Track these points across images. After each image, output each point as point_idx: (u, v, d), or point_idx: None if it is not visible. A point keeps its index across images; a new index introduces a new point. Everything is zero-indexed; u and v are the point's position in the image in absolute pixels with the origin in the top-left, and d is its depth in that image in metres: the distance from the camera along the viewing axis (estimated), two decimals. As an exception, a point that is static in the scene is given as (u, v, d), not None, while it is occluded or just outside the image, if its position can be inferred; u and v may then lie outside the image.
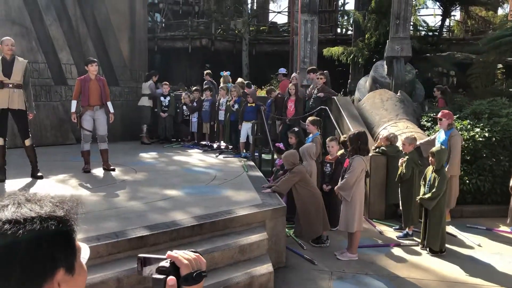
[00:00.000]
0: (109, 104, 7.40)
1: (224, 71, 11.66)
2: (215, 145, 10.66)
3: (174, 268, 1.06)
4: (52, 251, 0.92)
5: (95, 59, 7.61)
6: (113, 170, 7.37)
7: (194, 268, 1.08)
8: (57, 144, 10.28)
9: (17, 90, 6.41)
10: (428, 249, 5.92)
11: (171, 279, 1.04)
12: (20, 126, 6.71)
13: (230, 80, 11.50)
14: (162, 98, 11.19)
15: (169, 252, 1.09)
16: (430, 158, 5.92)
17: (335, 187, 5.78)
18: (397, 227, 6.87)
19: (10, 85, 6.36)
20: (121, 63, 11.98)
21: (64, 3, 10.97)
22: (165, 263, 1.06)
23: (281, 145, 8.21)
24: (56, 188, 6.16)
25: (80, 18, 11.24)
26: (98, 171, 7.36)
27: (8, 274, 0.87)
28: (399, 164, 6.58)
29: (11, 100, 6.39)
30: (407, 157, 6.46)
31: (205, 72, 12.63)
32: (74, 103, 7.27)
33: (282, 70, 12.60)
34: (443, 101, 10.74)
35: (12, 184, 6.32)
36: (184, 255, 1.09)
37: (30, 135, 6.82)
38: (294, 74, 12.11)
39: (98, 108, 7.30)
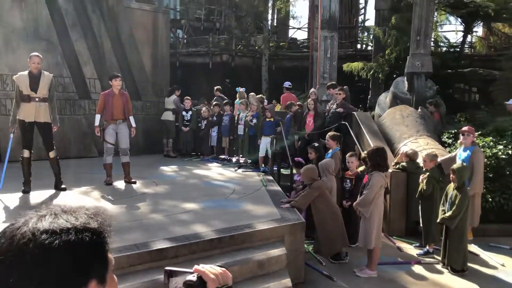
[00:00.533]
0: (131, 118, 7.54)
1: (239, 87, 11.78)
2: (234, 159, 10.72)
3: (201, 282, 1.07)
4: (86, 262, 0.94)
5: (119, 74, 7.79)
6: (134, 183, 7.48)
7: (221, 283, 1.09)
8: (80, 157, 10.48)
9: (43, 104, 6.58)
10: (449, 267, 5.82)
11: None
12: (45, 138, 6.88)
13: (245, 96, 11.63)
14: (184, 113, 11.31)
15: (196, 266, 1.10)
16: (451, 175, 5.85)
17: (354, 203, 5.75)
18: (417, 244, 6.77)
19: (37, 99, 6.54)
20: (143, 78, 12.21)
21: (90, 19, 11.28)
22: (192, 277, 1.08)
23: (300, 159, 8.22)
24: (79, 200, 6.28)
25: (105, 34, 11.53)
26: (120, 184, 7.48)
27: (43, 283, 0.89)
28: (420, 180, 6.52)
29: (37, 113, 6.57)
30: (427, 173, 6.40)
31: (215, 88, 12.77)
32: (97, 117, 7.46)
33: (287, 84, 12.74)
34: (438, 114, 10.57)
35: (37, 196, 6.47)
36: (211, 270, 1.10)
37: (54, 148, 7.00)
38: (312, 89, 12.14)
39: (121, 122, 7.45)
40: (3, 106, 10.00)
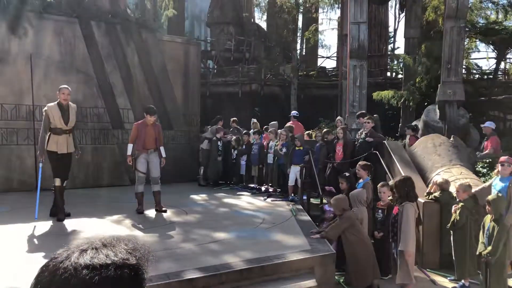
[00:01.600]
0: (162, 148, 7.70)
1: (254, 118, 12.13)
2: (263, 188, 10.71)
3: None
4: None
5: (155, 110, 7.90)
6: (165, 211, 7.57)
7: None
8: (112, 185, 10.69)
9: (70, 135, 6.96)
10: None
11: None
12: (66, 168, 7.08)
13: (258, 126, 12.11)
14: (218, 143, 11.44)
15: None
16: (487, 207, 5.68)
17: (400, 249, 5.44)
18: (452, 277, 6.54)
19: (67, 131, 6.86)
20: (175, 108, 12.49)
21: (124, 52, 11.69)
22: None
23: (331, 188, 8.15)
24: (111, 228, 6.39)
25: (138, 66, 11.91)
26: (151, 212, 7.58)
27: None
28: (453, 211, 6.35)
29: (68, 145, 6.89)
30: (460, 204, 6.23)
31: (231, 119, 12.94)
32: (130, 147, 7.63)
33: (294, 113, 12.82)
34: (414, 139, 10.31)
35: (72, 224, 6.60)
36: None
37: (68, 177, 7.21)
38: (339, 118, 12.11)
39: (152, 151, 7.61)
40: (41, 136, 10.37)
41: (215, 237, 5.88)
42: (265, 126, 12.25)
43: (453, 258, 6.36)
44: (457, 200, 6.43)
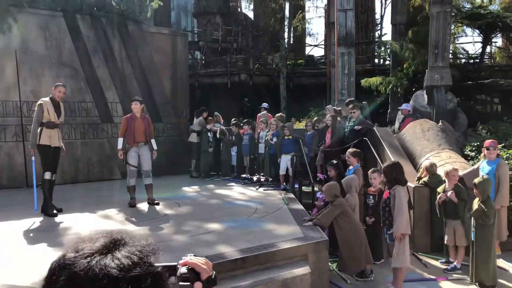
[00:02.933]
0: (153, 141, 7.68)
1: (216, 112, 12.48)
2: (255, 178, 10.75)
3: (194, 274, 1.11)
4: None
5: (138, 98, 7.96)
6: (157, 204, 7.57)
7: (210, 271, 1.13)
8: (103, 180, 10.66)
9: (59, 130, 7.12)
10: (477, 283, 5.69)
11: (198, 284, 1.09)
12: (57, 161, 7.18)
13: (221, 120, 12.38)
14: (209, 134, 11.40)
15: (186, 259, 1.13)
16: (474, 190, 5.75)
17: (394, 231, 5.44)
18: (443, 260, 6.65)
19: (59, 125, 7.07)
20: (164, 100, 12.43)
21: (111, 45, 11.59)
22: (185, 270, 1.11)
23: (322, 175, 8.21)
24: (103, 223, 6.39)
25: (125, 58, 11.82)
26: (143, 206, 7.57)
27: None
28: (440, 200, 6.38)
29: (59, 138, 7.04)
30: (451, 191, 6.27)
31: (215, 113, 12.88)
32: (120, 140, 7.58)
33: (264, 105, 12.77)
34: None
35: (62, 219, 6.58)
36: (198, 260, 1.13)
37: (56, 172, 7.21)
38: (328, 106, 12.15)
39: (143, 144, 7.58)
40: (29, 132, 10.27)
41: (208, 228, 5.90)
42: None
43: (445, 242, 6.45)
44: (446, 185, 6.46)
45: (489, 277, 5.56)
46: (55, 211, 6.80)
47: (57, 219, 6.61)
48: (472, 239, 5.74)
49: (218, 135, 11.29)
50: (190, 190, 9.45)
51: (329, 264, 5.80)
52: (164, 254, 3.82)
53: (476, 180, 5.80)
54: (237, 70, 20.53)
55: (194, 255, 1.17)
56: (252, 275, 4.55)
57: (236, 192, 9.14)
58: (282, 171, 9.63)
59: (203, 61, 23.03)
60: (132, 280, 0.91)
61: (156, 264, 1.08)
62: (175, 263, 1.11)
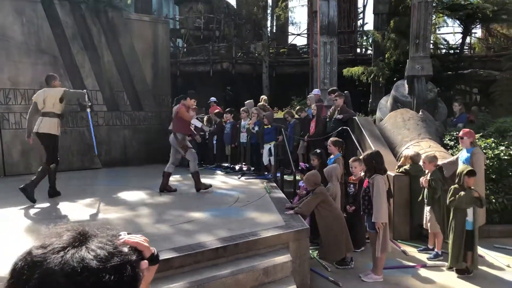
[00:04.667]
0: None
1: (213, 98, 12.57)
2: (237, 167, 10.74)
3: (138, 253, 1.04)
4: None
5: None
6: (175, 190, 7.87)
7: (151, 248, 1.08)
8: (83, 169, 10.52)
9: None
10: (455, 269, 5.81)
11: (145, 262, 1.03)
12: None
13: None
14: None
15: (125, 238, 1.05)
16: (456, 180, 5.81)
17: (373, 220, 5.49)
18: (421, 248, 6.76)
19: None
20: (144, 88, 12.28)
21: (90, 32, 11.37)
22: (127, 250, 1.03)
23: (304, 165, 8.24)
24: (84, 212, 6.31)
25: (105, 46, 11.62)
26: (123, 195, 7.50)
27: None
28: (421, 184, 6.51)
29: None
30: (429, 176, 6.38)
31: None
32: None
33: (212, 99, 12.84)
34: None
35: (41, 208, 6.49)
36: (138, 238, 1.06)
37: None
38: (309, 95, 12.16)
39: None
40: (6, 120, 10.07)
41: (189, 217, 5.88)
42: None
43: (427, 229, 6.57)
44: (425, 172, 6.59)
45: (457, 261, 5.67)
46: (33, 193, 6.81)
47: (35, 208, 6.51)
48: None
49: (205, 124, 11.23)
50: (172, 179, 9.37)
51: (310, 252, 5.84)
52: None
53: (459, 169, 5.88)
54: (220, 59, 20.39)
55: (128, 233, 1.09)
56: (233, 264, 4.56)
57: (218, 181, 9.12)
58: (265, 161, 9.64)
59: (185, 49, 22.81)
60: (113, 271, 0.86)
61: None
62: (128, 247, 1.01)
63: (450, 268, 5.89)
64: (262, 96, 12.09)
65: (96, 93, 11.16)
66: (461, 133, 7.00)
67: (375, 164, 5.57)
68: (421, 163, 7.11)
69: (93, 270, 0.84)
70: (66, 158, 10.52)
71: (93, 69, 11.27)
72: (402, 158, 7.77)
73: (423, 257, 6.48)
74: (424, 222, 6.60)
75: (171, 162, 7.87)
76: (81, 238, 0.91)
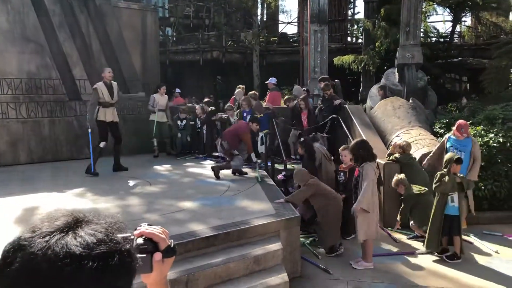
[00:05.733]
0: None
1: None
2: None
3: (152, 244, 1.06)
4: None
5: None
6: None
7: (169, 239, 1.08)
8: (72, 159, 10.42)
9: (114, 108, 8.60)
10: (444, 256, 5.87)
11: (158, 254, 1.04)
12: (115, 133, 8.62)
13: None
14: (178, 122, 11.27)
15: (141, 230, 1.07)
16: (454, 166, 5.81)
17: (356, 206, 5.52)
18: (411, 235, 6.81)
19: (113, 104, 8.49)
20: (133, 77, 12.15)
21: (77, 20, 11.19)
22: (142, 241, 1.05)
23: (282, 176, 8.20)
24: (73, 202, 6.25)
25: (93, 34, 11.45)
26: (114, 184, 7.45)
27: None
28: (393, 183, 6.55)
29: (113, 115, 8.51)
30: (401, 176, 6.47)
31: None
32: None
33: (177, 90, 12.61)
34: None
35: (29, 199, 6.42)
36: (155, 230, 1.07)
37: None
38: (294, 89, 12.05)
39: None
40: (-7, 109, 9.91)
41: (180, 207, 5.85)
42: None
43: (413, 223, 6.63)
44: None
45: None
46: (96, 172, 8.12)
47: (24, 199, 6.43)
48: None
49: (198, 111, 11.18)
50: (162, 168, 9.34)
51: (302, 239, 5.86)
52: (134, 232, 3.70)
53: (448, 156, 5.91)
54: (210, 47, 20.25)
55: (149, 225, 1.09)
56: (224, 252, 4.55)
57: (209, 170, 9.06)
58: (260, 149, 9.60)
59: (175, 38, 22.60)
60: (97, 258, 0.83)
61: None
62: (129, 234, 0.98)
63: (428, 253, 5.97)
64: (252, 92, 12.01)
65: (84, 82, 11.01)
66: (462, 125, 6.90)
67: (362, 153, 5.58)
68: (413, 151, 7.14)
69: (75, 256, 0.82)
70: (53, 148, 10.43)
71: (80, 58, 11.10)
72: (391, 146, 7.79)
73: (413, 244, 6.52)
74: None
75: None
76: (72, 224, 0.89)
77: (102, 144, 8.34)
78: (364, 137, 6.94)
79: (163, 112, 10.93)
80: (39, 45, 10.38)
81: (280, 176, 8.18)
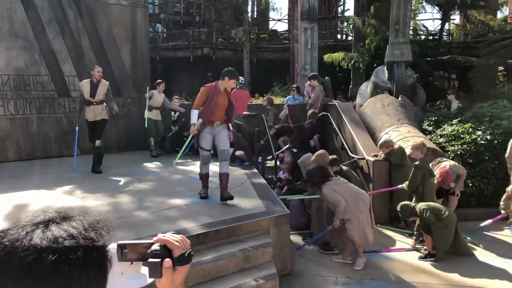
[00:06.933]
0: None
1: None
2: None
3: (166, 251, 1.09)
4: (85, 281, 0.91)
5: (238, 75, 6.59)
6: (231, 198, 5.87)
7: (184, 249, 1.11)
8: (61, 156, 10.35)
9: (100, 106, 8.18)
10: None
11: (168, 261, 1.06)
12: (98, 131, 8.25)
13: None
14: (172, 113, 11.15)
15: (159, 236, 1.11)
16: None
17: (337, 221, 5.57)
18: (411, 232, 6.82)
19: (95, 103, 8.11)
20: (123, 74, 12.07)
21: (67, 16, 11.09)
22: (157, 247, 1.09)
23: (282, 154, 8.28)
24: (62, 200, 6.22)
25: (82, 30, 11.36)
26: (103, 181, 7.42)
27: None
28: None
29: (97, 114, 8.15)
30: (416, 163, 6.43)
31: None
32: (195, 113, 6.00)
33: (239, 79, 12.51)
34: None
35: (18, 196, 6.37)
36: (173, 238, 1.11)
37: (101, 138, 8.33)
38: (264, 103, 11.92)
39: (219, 124, 6.04)
40: (-20, 106, 9.81)
41: (170, 204, 5.85)
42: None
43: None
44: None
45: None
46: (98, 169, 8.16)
47: (12, 196, 6.38)
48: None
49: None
50: (152, 166, 9.32)
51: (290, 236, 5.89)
52: (124, 230, 3.77)
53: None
54: (200, 44, 20.19)
55: (173, 232, 1.15)
56: (214, 250, 4.57)
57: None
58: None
59: (165, 34, 22.49)
60: (58, 251, 0.87)
61: (129, 242, 1.07)
62: (151, 241, 1.08)
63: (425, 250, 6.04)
64: None
65: (73, 79, 10.92)
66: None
67: (318, 179, 5.79)
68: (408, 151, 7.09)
69: (37, 248, 0.87)
70: (42, 145, 10.35)
71: (70, 54, 11.01)
72: (379, 145, 7.69)
73: (405, 240, 6.59)
74: None
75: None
76: (51, 220, 0.93)
77: (97, 143, 8.25)
78: (354, 135, 6.96)
79: (158, 110, 10.83)
80: (27, 41, 10.28)
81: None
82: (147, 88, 10.87)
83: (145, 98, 10.70)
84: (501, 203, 6.66)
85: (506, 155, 6.88)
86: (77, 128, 8.30)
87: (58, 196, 6.47)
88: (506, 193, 6.59)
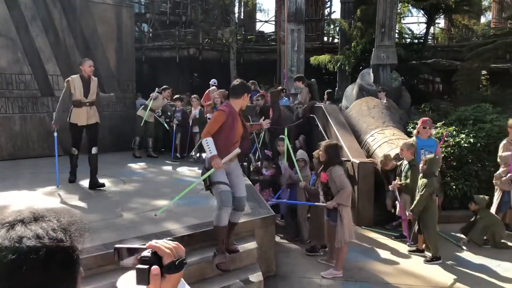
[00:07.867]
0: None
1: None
2: (203, 155, 10.55)
3: (156, 258, 1.07)
4: (55, 281, 0.92)
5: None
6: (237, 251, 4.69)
7: (176, 256, 1.09)
8: (44, 156, 10.19)
9: (92, 107, 6.95)
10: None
11: (155, 268, 1.04)
12: (91, 137, 7.03)
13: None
14: (177, 114, 11.02)
15: (150, 242, 1.09)
16: (421, 165, 5.93)
17: (334, 202, 5.26)
18: (397, 234, 6.86)
19: (87, 104, 6.85)
20: (108, 73, 11.95)
21: (51, 14, 10.94)
22: (147, 253, 1.07)
23: (269, 152, 8.26)
24: (44, 201, 6.12)
25: (67, 29, 11.22)
26: (86, 182, 7.32)
27: None
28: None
29: (90, 117, 6.89)
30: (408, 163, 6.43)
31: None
32: (211, 142, 4.47)
33: (213, 81, 12.41)
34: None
35: (4, 197, 6.26)
36: (165, 244, 1.09)
37: (97, 145, 7.12)
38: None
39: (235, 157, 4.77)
40: (-39, 105, 9.62)
41: (155, 206, 5.80)
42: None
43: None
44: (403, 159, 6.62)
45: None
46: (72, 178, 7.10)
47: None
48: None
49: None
50: (137, 167, 9.24)
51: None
52: (108, 232, 3.71)
53: (428, 157, 5.98)
54: (186, 44, 20.08)
55: (169, 239, 1.13)
56: (199, 252, 4.54)
57: (185, 169, 9.02)
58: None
59: (151, 34, 22.33)
60: (18, 251, 0.88)
61: (124, 246, 1.08)
62: (144, 246, 1.08)
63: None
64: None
65: (57, 78, 10.77)
66: (426, 120, 7.04)
67: (334, 158, 5.41)
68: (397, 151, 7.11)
69: (8, 264, 0.88)
70: (25, 145, 10.19)
71: (54, 53, 10.86)
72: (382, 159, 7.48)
73: (387, 241, 6.63)
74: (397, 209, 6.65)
75: None
76: (20, 221, 0.95)
77: (73, 151, 7.03)
78: (340, 136, 6.96)
79: (152, 112, 10.72)
80: (10, 39, 10.11)
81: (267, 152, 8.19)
82: (156, 88, 10.77)
83: (138, 96, 10.64)
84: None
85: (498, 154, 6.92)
86: (55, 134, 7.02)
87: (39, 197, 6.36)
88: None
